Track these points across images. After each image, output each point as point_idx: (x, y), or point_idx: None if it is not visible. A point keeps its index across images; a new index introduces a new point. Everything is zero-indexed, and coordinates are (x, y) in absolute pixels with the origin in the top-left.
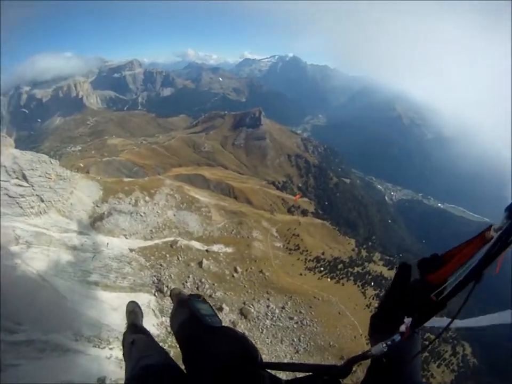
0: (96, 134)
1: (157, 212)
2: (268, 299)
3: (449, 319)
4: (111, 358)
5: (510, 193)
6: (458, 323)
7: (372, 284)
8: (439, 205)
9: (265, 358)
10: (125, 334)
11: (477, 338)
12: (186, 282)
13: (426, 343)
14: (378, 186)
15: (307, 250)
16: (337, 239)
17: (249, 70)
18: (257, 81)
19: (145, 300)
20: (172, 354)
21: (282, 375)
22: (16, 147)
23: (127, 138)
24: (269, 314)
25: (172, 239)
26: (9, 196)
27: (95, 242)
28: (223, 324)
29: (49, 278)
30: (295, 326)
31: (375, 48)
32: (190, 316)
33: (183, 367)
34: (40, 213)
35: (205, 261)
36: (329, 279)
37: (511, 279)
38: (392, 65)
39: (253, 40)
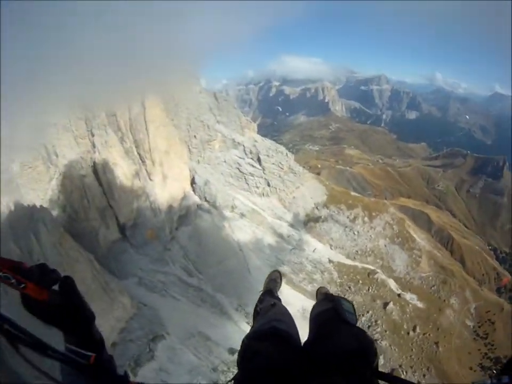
0: (336, 140)
1: (370, 236)
2: (424, 375)
3: None
4: None
5: None
6: None
7: None
8: None
9: None
10: (261, 296)
11: None
12: (362, 315)
13: None
14: None
15: (493, 345)
16: None
17: (500, 108)
18: (507, 121)
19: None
20: None
21: None
22: (258, 132)
23: (364, 153)
24: None
25: (372, 268)
26: (240, 171)
27: (301, 239)
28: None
29: (245, 251)
30: None
31: None
32: (331, 307)
33: None
34: (263, 194)
35: (391, 305)
36: None
37: None
38: None
39: (505, 73)
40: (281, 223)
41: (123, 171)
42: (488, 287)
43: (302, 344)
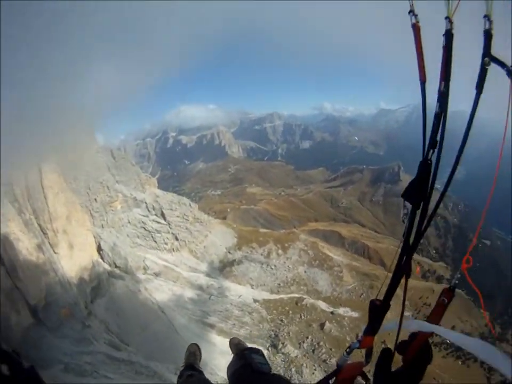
0: (236, 181)
1: (288, 266)
2: None
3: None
4: None
5: None
6: (440, 331)
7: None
8: None
9: None
10: (182, 370)
11: None
12: (303, 342)
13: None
14: None
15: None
16: (471, 311)
17: (386, 122)
18: (394, 133)
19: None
20: None
21: None
22: (159, 185)
23: (265, 188)
24: None
25: (298, 295)
26: (146, 230)
27: (220, 287)
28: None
29: (167, 311)
30: None
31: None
32: (244, 364)
33: None
34: (173, 250)
35: (327, 324)
36: (454, 359)
37: None
38: None
39: (388, 90)
40: (198, 274)
41: (25, 245)
42: (414, 277)
43: None
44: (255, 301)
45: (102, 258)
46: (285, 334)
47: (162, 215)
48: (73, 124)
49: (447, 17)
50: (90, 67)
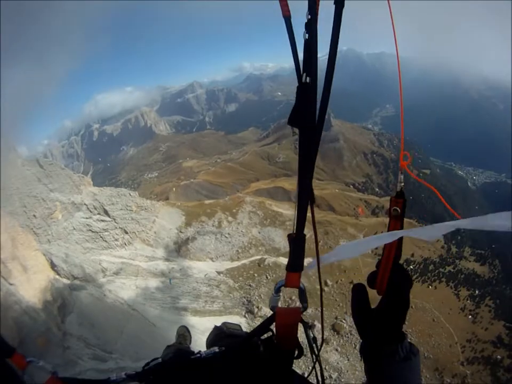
0: (170, 159)
1: (242, 231)
2: None
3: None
4: None
5: None
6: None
7: (465, 284)
8: None
9: (359, 375)
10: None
11: None
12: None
13: None
14: (459, 172)
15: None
16: None
17: None
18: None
19: (235, 322)
20: None
21: None
22: (94, 182)
23: (200, 159)
24: None
25: (259, 257)
26: (93, 231)
27: (182, 268)
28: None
29: (138, 307)
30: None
31: (429, 28)
32: (217, 332)
33: None
34: (125, 244)
35: None
36: (420, 284)
37: None
38: (449, 41)
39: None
40: (156, 262)
41: None
42: (365, 215)
43: None
44: (219, 273)
45: (58, 274)
46: (257, 298)
47: (106, 212)
48: None
49: None
50: None
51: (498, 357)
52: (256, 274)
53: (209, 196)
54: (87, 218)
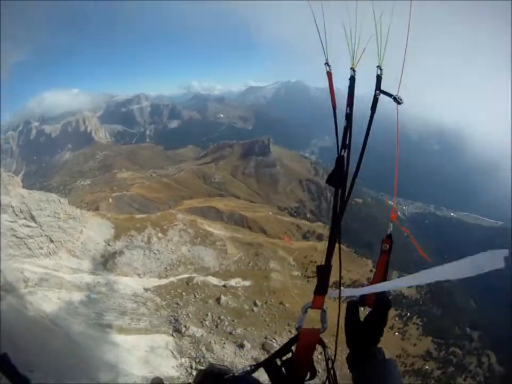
0: (106, 168)
1: (171, 249)
2: (290, 331)
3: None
4: None
5: None
6: (406, 281)
7: (393, 304)
8: (452, 214)
9: None
10: None
11: (502, 346)
12: (204, 320)
13: None
14: (390, 202)
15: None
16: (355, 260)
17: (254, 98)
18: (263, 108)
19: (162, 341)
20: None
21: None
22: (25, 183)
23: (136, 172)
24: None
25: (187, 276)
26: (17, 237)
27: (108, 282)
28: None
29: (60, 322)
30: (319, 357)
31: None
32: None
33: None
34: (50, 253)
35: (223, 297)
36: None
37: None
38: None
39: (256, 68)
40: (82, 275)
41: None
42: (295, 239)
43: None
44: (146, 289)
45: None
46: (185, 316)
47: (32, 218)
48: None
49: (351, 68)
50: None
51: (428, 368)
52: (184, 293)
53: (141, 209)
54: (12, 222)
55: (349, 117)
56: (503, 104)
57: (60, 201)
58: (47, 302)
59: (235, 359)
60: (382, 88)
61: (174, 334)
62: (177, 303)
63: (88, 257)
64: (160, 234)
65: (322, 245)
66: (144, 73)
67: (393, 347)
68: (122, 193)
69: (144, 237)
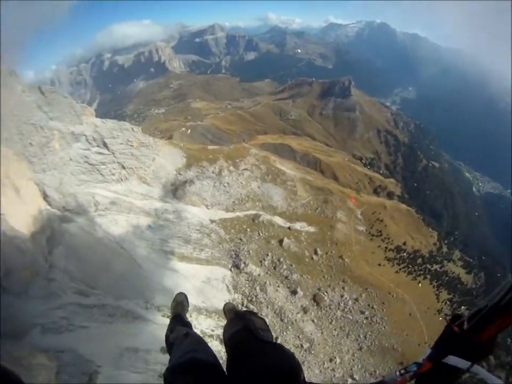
0: (180, 97)
1: (241, 183)
2: (343, 288)
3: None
4: None
5: None
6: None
7: (447, 287)
8: None
9: (328, 350)
10: (171, 323)
11: None
12: (264, 260)
13: None
14: (467, 174)
15: (389, 238)
16: (421, 229)
17: (335, 36)
18: (344, 47)
19: (220, 274)
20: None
21: None
22: (100, 111)
23: (211, 102)
24: (341, 305)
25: (254, 212)
26: (90, 164)
27: (176, 210)
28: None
29: (126, 245)
30: (364, 321)
31: (471, 21)
32: (243, 326)
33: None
34: (121, 179)
35: (286, 240)
36: (406, 274)
37: None
38: (491, 41)
39: (338, 4)
40: (151, 201)
41: None
42: (366, 192)
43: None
44: (212, 221)
45: (49, 205)
46: (246, 253)
47: (105, 145)
48: None
49: None
50: None
51: None
52: (248, 229)
53: (214, 141)
54: (85, 149)
55: None
56: None
57: (133, 130)
58: (115, 225)
59: (285, 304)
60: None
61: (232, 269)
62: (241, 239)
63: (159, 185)
64: (231, 168)
65: (392, 203)
66: (217, 3)
67: (435, 332)
68: (196, 123)
69: (216, 168)
